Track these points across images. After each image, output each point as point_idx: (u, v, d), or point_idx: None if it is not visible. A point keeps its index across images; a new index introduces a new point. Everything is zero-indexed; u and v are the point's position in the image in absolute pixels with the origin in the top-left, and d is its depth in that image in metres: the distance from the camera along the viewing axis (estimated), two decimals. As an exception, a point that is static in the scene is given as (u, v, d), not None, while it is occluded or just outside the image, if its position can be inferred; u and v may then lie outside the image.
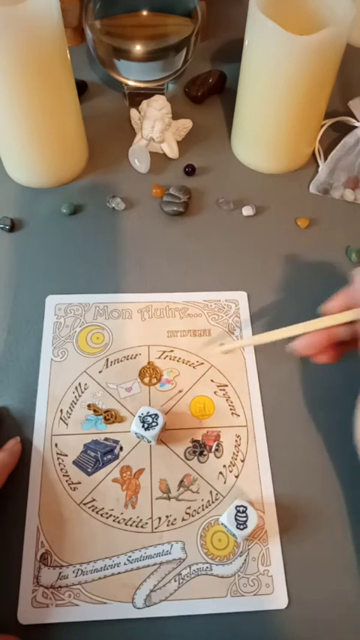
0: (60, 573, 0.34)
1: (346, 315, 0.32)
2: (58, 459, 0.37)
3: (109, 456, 0.38)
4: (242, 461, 0.38)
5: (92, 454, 0.38)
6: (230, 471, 0.38)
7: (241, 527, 0.33)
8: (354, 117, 0.53)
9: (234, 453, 0.38)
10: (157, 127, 0.52)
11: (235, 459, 0.38)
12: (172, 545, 0.35)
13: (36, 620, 0.32)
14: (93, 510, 0.36)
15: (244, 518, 0.34)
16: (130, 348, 0.42)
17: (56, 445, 0.38)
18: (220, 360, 0.42)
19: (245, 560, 0.35)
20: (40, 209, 0.49)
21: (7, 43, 0.37)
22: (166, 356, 0.42)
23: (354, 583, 0.34)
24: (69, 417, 0.39)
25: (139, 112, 0.54)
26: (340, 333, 0.33)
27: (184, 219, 0.50)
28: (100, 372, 0.41)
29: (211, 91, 0.58)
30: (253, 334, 0.43)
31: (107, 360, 0.42)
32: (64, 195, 0.50)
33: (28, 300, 0.44)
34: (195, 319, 0.44)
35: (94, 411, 0.39)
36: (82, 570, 0.34)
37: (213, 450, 0.38)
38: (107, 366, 0.41)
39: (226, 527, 0.35)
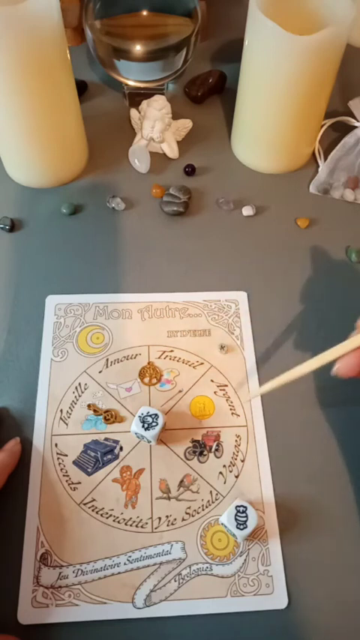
0: (60, 573, 0.34)
1: None
2: (58, 459, 0.37)
3: (109, 456, 0.38)
4: (242, 461, 0.38)
5: (92, 454, 0.38)
6: (230, 471, 0.38)
7: (241, 527, 0.33)
8: (354, 117, 0.53)
9: (234, 453, 0.38)
10: (157, 127, 0.52)
11: (235, 459, 0.38)
12: (172, 545, 0.35)
13: (36, 620, 0.32)
14: (93, 510, 0.36)
15: (244, 518, 0.34)
16: (130, 348, 0.42)
17: (56, 445, 0.38)
18: (220, 360, 0.42)
19: (245, 560, 0.35)
20: (40, 209, 0.49)
21: (7, 43, 0.37)
22: (166, 356, 0.42)
23: (354, 583, 0.34)
24: (69, 417, 0.39)
25: (139, 112, 0.54)
26: None
27: (184, 219, 0.50)
28: (100, 372, 0.41)
29: (211, 91, 0.58)
30: (252, 334, 0.43)
31: (107, 360, 0.42)
32: (64, 195, 0.50)
33: (28, 300, 0.44)
34: (195, 319, 0.44)
35: (94, 411, 0.39)
36: (82, 570, 0.34)
37: (213, 450, 0.38)
38: (107, 366, 0.41)
39: (226, 527, 0.35)
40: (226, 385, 0.41)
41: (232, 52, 0.61)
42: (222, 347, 0.42)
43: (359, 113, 0.52)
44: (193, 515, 0.36)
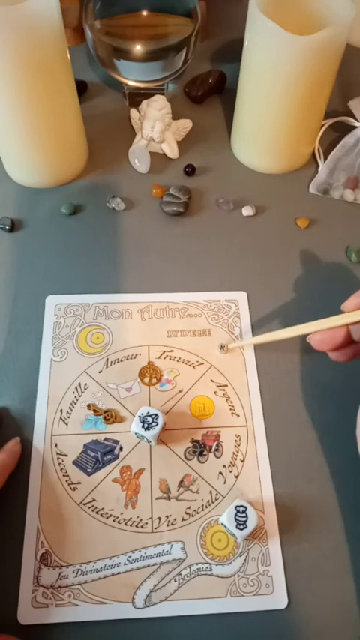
0: (60, 573, 0.34)
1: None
2: (58, 459, 0.37)
3: (109, 456, 0.38)
4: (242, 461, 0.38)
5: (92, 454, 0.38)
6: (230, 471, 0.38)
7: (241, 527, 0.33)
8: (354, 117, 0.53)
9: (234, 453, 0.38)
10: (157, 127, 0.52)
11: (235, 459, 0.38)
12: (172, 545, 0.35)
13: (36, 620, 0.32)
14: (93, 510, 0.36)
15: (244, 518, 0.34)
16: (130, 348, 0.42)
17: (56, 445, 0.38)
18: (220, 360, 0.42)
19: (245, 560, 0.35)
20: (40, 209, 0.49)
21: (7, 43, 0.37)
22: (166, 356, 0.42)
23: (354, 583, 0.34)
24: (69, 417, 0.39)
25: (139, 112, 0.54)
26: (358, 331, 0.32)
27: (184, 219, 0.50)
28: (100, 372, 0.41)
29: (211, 91, 0.58)
30: (253, 334, 0.43)
31: (107, 360, 0.42)
32: (64, 195, 0.50)
33: (28, 300, 0.44)
34: (195, 319, 0.44)
35: (94, 411, 0.39)
36: (82, 570, 0.34)
37: (213, 450, 0.38)
38: (107, 366, 0.41)
39: (226, 527, 0.35)
40: (226, 385, 0.41)
41: (232, 52, 0.61)
42: (222, 347, 0.42)
43: (359, 113, 0.52)
44: (193, 515, 0.36)
